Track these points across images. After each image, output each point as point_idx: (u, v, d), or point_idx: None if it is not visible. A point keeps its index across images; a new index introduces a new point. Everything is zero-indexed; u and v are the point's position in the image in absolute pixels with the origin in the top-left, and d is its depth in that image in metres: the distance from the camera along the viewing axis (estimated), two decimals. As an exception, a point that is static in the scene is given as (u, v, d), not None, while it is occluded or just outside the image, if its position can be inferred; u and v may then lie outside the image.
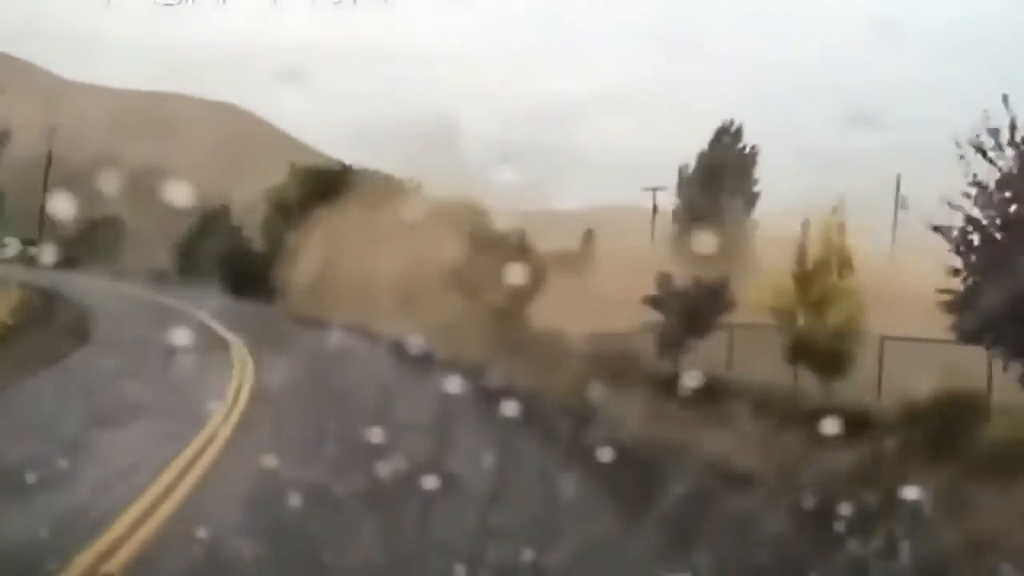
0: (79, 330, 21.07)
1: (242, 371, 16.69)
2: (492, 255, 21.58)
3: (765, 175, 31.84)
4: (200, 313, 24.99)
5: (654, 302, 19.85)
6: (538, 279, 21.68)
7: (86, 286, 30.33)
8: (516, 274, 18.45)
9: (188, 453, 9.66)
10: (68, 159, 33.72)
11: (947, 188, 12.87)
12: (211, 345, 19.62)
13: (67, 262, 33.68)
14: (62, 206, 24.42)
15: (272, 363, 17.11)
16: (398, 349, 16.73)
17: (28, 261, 36.50)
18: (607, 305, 20.30)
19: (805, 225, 17.39)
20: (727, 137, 31.93)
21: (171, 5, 26.79)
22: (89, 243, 35.61)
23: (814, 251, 16.96)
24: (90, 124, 39.84)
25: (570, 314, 20.21)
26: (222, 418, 11.89)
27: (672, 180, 32.08)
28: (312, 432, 10.99)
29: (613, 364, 16.12)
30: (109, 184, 23.27)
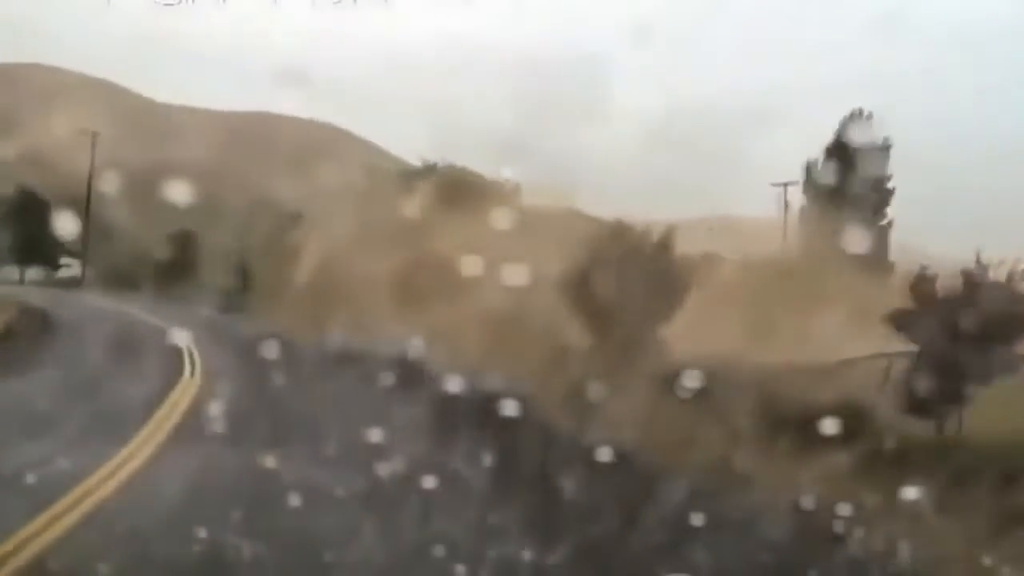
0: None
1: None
2: (626, 262, 17.51)
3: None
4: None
5: (903, 323, 12.74)
6: (679, 292, 17.48)
7: (96, 307, 28.66)
8: (518, 275, 13.95)
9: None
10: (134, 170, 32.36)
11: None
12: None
13: (126, 283, 32.36)
14: (66, 225, 23.78)
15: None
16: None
17: (71, 282, 36.10)
18: (759, 324, 16.05)
19: None
20: (857, 126, 28.23)
21: (171, 5, 26.81)
22: (163, 261, 33.99)
23: None
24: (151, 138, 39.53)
25: (714, 337, 15.79)
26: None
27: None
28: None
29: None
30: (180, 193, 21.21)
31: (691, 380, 11.00)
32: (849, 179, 26.76)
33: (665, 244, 18.51)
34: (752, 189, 30.05)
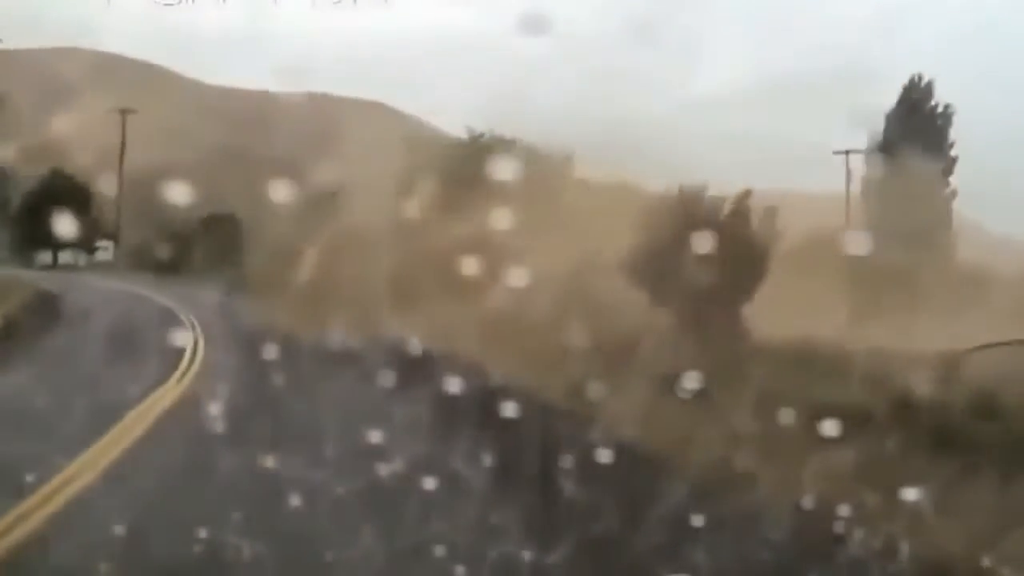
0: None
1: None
2: (699, 234, 14.98)
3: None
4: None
5: None
6: (760, 266, 16.11)
7: (114, 292, 27.99)
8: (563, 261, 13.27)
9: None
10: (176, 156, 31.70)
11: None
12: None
13: (161, 266, 31.00)
14: (65, 226, 23.44)
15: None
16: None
17: (104, 265, 35.74)
18: (849, 305, 14.63)
19: None
20: (916, 94, 27.60)
21: (171, 5, 26.76)
22: (201, 245, 32.53)
23: None
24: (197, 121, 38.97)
25: (798, 319, 14.28)
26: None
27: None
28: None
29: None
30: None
31: (691, 381, 10.97)
32: (909, 148, 25.27)
33: (741, 213, 16.80)
34: (812, 159, 28.63)
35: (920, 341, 14.00)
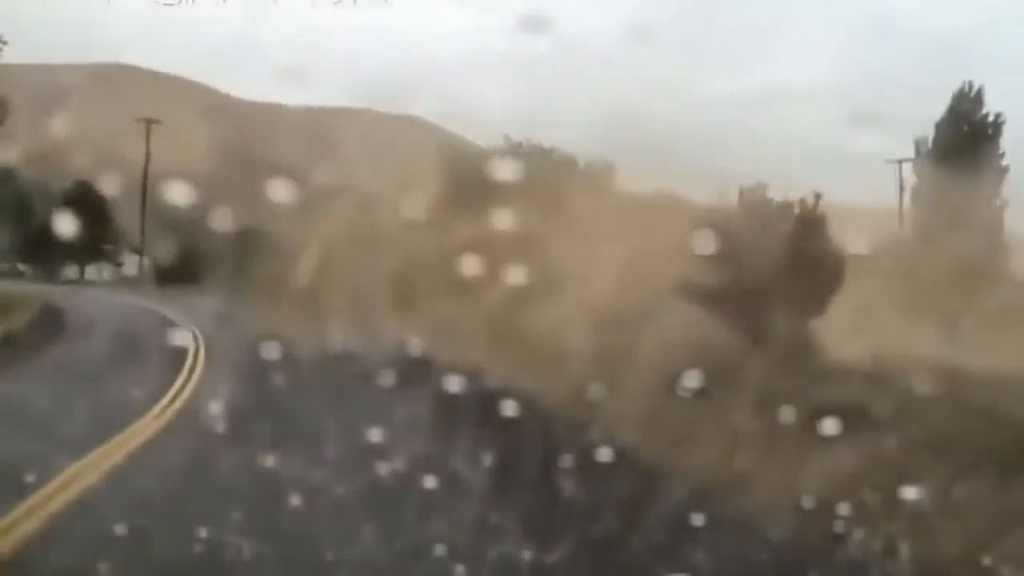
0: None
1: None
2: (763, 241, 14.22)
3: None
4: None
5: None
6: (834, 276, 14.59)
7: (130, 309, 27.85)
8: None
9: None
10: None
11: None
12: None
13: (186, 279, 30.57)
14: (66, 226, 23.29)
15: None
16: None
17: (129, 280, 35.18)
18: (938, 322, 13.56)
19: None
20: (967, 103, 27.16)
21: (171, 5, 26.78)
22: (231, 259, 33.06)
23: None
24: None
25: (877, 336, 13.29)
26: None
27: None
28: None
29: None
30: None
31: (691, 380, 10.97)
32: (960, 157, 24.76)
33: (811, 218, 15.17)
34: (858, 170, 27.97)
35: (992, 357, 13.18)
